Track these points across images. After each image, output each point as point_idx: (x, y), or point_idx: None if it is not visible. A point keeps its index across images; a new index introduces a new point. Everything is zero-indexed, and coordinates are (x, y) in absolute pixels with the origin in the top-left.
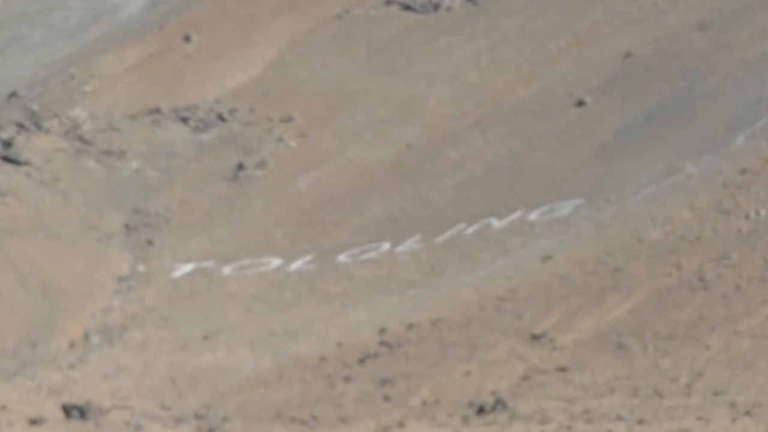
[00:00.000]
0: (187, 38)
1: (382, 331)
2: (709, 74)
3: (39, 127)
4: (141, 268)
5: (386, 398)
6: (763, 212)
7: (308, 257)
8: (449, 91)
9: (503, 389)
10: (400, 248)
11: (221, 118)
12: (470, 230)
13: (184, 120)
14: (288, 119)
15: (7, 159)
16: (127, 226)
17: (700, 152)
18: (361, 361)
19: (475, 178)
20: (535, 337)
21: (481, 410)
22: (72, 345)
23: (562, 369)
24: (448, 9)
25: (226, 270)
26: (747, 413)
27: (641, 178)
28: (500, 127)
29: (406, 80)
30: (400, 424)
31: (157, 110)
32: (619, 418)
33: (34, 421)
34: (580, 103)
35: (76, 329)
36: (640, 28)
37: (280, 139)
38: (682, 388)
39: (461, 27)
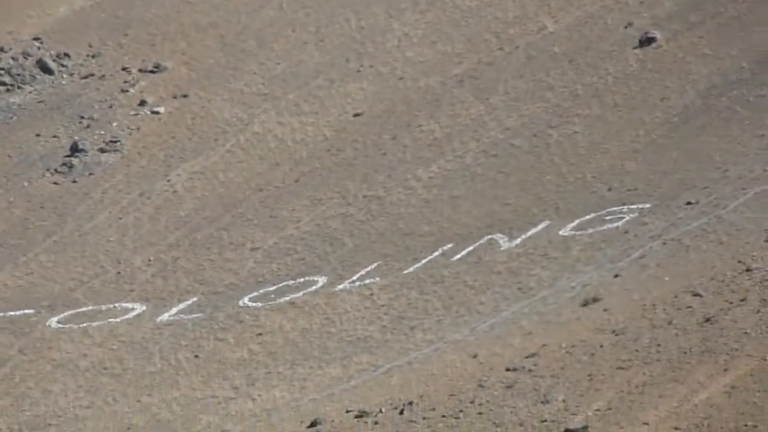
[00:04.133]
0: None
1: (314, 424)
2: None
3: None
4: None
5: None
6: None
7: (190, 301)
8: (425, 24)
9: None
10: (343, 284)
11: (43, 67)
12: (462, 255)
13: None
14: (156, 69)
15: None
16: None
17: None
18: None
19: (467, 168)
20: None
21: None
22: None
23: None
24: None
25: (52, 324)
26: None
27: (748, 168)
28: (510, 83)
29: (353, 4)
30: None
31: None
32: None
33: None
34: (646, 41)
35: None
36: None
37: (141, 103)
38: None
39: None
